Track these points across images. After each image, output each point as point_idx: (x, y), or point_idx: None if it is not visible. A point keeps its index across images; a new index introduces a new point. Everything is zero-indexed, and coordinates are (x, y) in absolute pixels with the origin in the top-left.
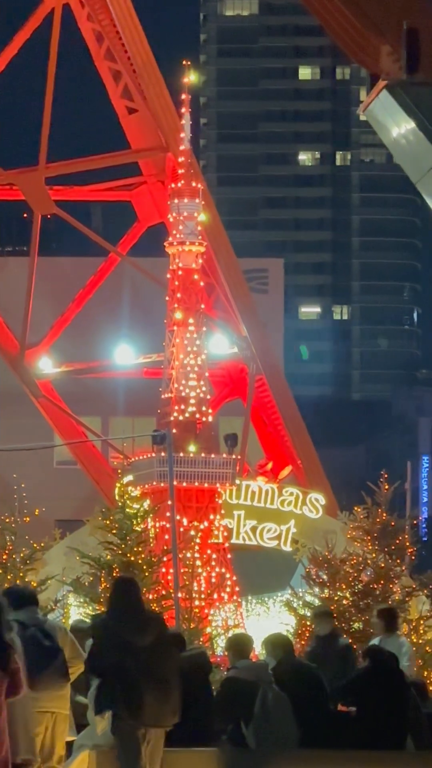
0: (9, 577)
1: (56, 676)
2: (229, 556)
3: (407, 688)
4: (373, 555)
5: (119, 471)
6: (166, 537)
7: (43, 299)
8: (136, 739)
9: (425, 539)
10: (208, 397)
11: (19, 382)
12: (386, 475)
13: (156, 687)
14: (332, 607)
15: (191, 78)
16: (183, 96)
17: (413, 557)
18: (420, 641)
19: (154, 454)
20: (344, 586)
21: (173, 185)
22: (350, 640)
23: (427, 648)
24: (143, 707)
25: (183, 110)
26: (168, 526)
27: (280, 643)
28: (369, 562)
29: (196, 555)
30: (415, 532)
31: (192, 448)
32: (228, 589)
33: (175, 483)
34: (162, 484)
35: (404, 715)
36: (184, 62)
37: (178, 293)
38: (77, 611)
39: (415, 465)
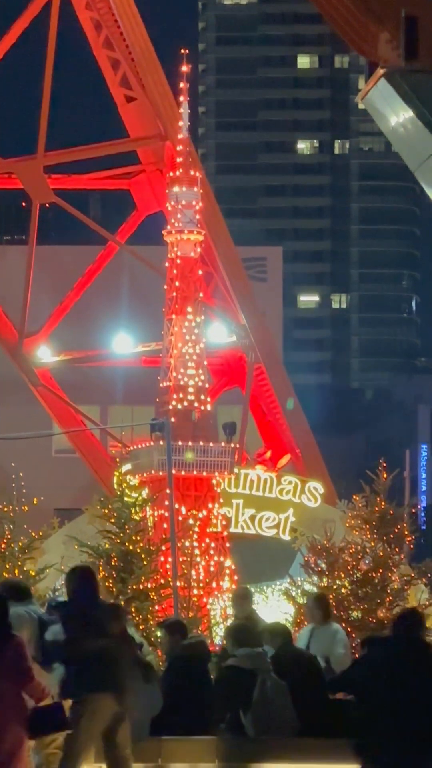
0: (8, 566)
1: None
2: (227, 544)
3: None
4: (372, 543)
5: (118, 460)
6: (165, 526)
7: (41, 288)
8: (101, 723)
9: (424, 528)
10: (207, 385)
11: (17, 370)
12: (385, 464)
13: (130, 672)
14: (331, 596)
15: (185, 66)
16: (181, 84)
17: (412, 546)
18: None
19: (152, 443)
20: (343, 575)
21: (172, 174)
22: (349, 629)
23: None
24: (126, 691)
25: (181, 99)
26: (166, 514)
27: (278, 632)
28: (368, 550)
29: (195, 544)
30: (413, 521)
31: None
32: (227, 578)
33: (173, 471)
34: (160, 473)
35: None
36: (182, 51)
37: (177, 282)
38: None
39: (414, 453)
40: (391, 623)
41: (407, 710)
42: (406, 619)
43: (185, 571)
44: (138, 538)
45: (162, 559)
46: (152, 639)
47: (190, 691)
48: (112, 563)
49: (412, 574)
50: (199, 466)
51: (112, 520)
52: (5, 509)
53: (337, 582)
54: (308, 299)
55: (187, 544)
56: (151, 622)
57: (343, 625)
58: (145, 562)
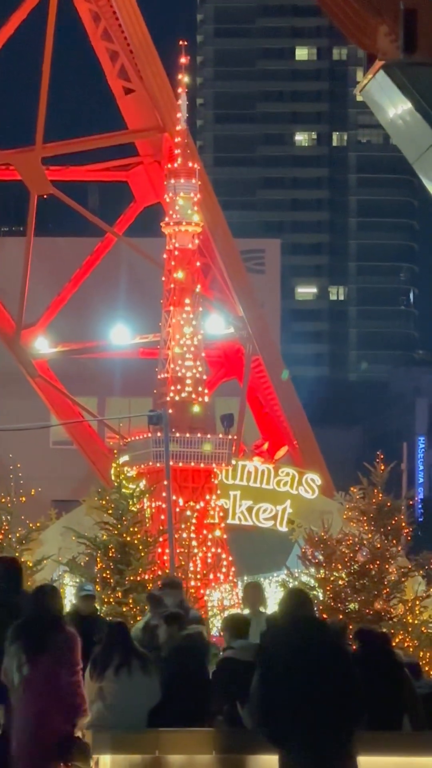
0: None
1: None
2: (225, 536)
3: (400, 669)
4: (369, 535)
5: (115, 451)
6: (162, 517)
7: (39, 279)
8: None
9: (421, 520)
10: (205, 377)
11: (15, 361)
12: (382, 456)
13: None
14: (328, 588)
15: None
16: (180, 76)
17: (409, 538)
18: (416, 621)
19: (150, 435)
20: (340, 567)
21: (170, 165)
22: (347, 621)
23: (423, 628)
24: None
25: (180, 90)
26: (164, 506)
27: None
28: (365, 542)
29: (192, 535)
30: (410, 513)
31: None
32: (224, 570)
33: (171, 463)
34: (158, 465)
35: (399, 697)
36: (180, 42)
37: (175, 273)
38: (73, 591)
39: (411, 445)
40: (280, 604)
41: (308, 690)
42: (293, 598)
43: (182, 563)
44: (135, 529)
45: (159, 550)
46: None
47: (187, 683)
48: (110, 554)
49: (409, 566)
50: (197, 457)
51: (110, 512)
52: (3, 500)
53: (335, 573)
54: (306, 291)
55: (184, 535)
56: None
57: (341, 616)
58: (142, 554)
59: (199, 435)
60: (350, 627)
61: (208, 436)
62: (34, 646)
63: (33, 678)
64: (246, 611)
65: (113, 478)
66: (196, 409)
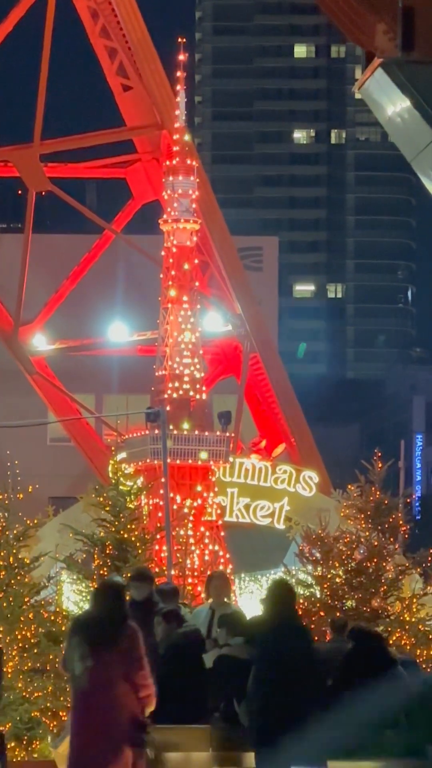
0: (2, 553)
1: None
2: (222, 533)
3: (394, 666)
4: (367, 533)
5: (113, 448)
6: (160, 514)
7: (37, 276)
8: None
9: (418, 518)
10: (202, 374)
11: (12, 358)
12: (380, 454)
13: None
14: (325, 585)
15: (186, 138)
16: (178, 73)
17: (406, 536)
18: (413, 619)
19: (147, 432)
20: (337, 564)
21: (168, 163)
22: (345, 618)
23: (420, 626)
24: None
25: (178, 88)
26: (161, 503)
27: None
28: (362, 540)
29: (190, 532)
30: (408, 511)
31: (186, 425)
32: (221, 567)
33: (168, 460)
34: (155, 462)
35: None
36: (179, 40)
37: (173, 271)
38: (70, 588)
39: (409, 443)
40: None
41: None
42: (277, 598)
43: (180, 560)
44: (133, 526)
45: (157, 547)
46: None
47: (184, 680)
48: (107, 551)
49: (407, 564)
50: (194, 455)
51: (107, 509)
52: (0, 497)
53: (332, 571)
54: (304, 289)
55: (181, 532)
56: None
57: (338, 614)
58: (139, 551)
59: (196, 432)
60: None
61: (206, 433)
62: (97, 640)
63: (97, 669)
64: (209, 601)
65: (111, 475)
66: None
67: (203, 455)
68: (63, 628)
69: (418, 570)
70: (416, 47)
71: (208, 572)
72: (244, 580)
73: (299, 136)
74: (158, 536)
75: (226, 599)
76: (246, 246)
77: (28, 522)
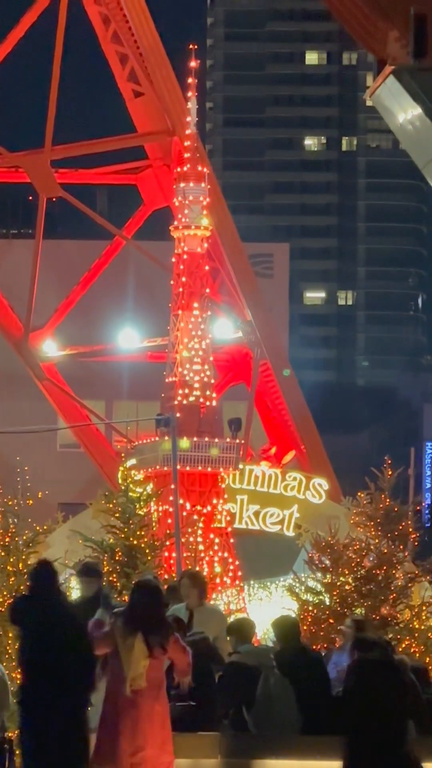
0: (12, 559)
1: None
2: (231, 540)
3: (401, 675)
4: (376, 541)
5: (123, 454)
6: (169, 521)
7: (47, 282)
8: None
9: (428, 525)
10: (212, 381)
11: (23, 364)
12: (390, 461)
13: None
14: (335, 592)
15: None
16: (189, 80)
17: (416, 543)
18: (422, 627)
19: (157, 438)
20: (347, 572)
21: (179, 169)
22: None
23: (430, 634)
24: None
25: (189, 94)
26: (171, 510)
27: (286, 626)
28: (372, 547)
29: (199, 539)
30: (418, 518)
31: (214, 451)
32: (230, 574)
33: (178, 467)
34: (165, 468)
35: (402, 702)
36: (190, 46)
37: (183, 277)
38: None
39: (419, 451)
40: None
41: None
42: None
43: (189, 567)
44: (142, 533)
45: (166, 554)
46: None
47: (193, 687)
48: (117, 558)
49: (417, 572)
50: (204, 461)
51: (117, 515)
52: (10, 503)
53: (341, 578)
54: (314, 296)
55: (191, 539)
56: None
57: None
58: (149, 558)
59: (206, 439)
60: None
61: (216, 440)
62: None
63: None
64: (185, 602)
65: (120, 481)
66: (214, 451)
67: (214, 451)
68: None
69: (428, 578)
70: (428, 55)
71: (194, 571)
72: (254, 587)
73: (310, 142)
74: (168, 543)
75: (200, 600)
76: (257, 253)
77: (38, 528)
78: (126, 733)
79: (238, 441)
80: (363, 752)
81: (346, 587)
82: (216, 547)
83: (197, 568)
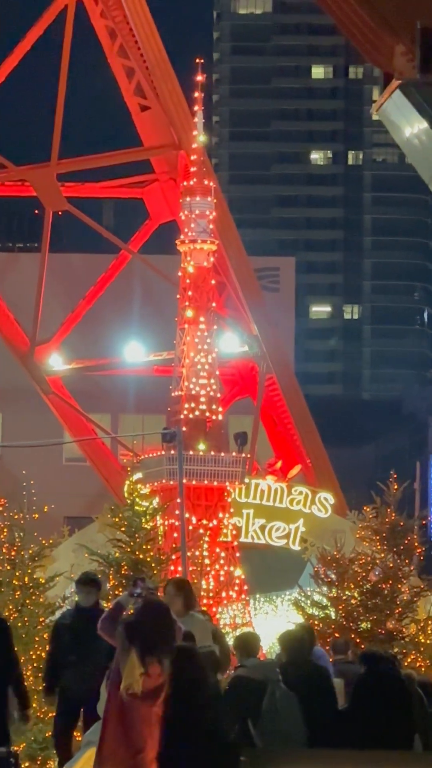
0: (18, 573)
1: None
2: (237, 554)
3: (407, 689)
4: (382, 555)
5: (129, 468)
6: (175, 535)
7: (53, 296)
8: None
9: None
10: (218, 395)
11: (28, 378)
12: (395, 475)
13: None
14: (340, 606)
15: (201, 140)
16: (196, 94)
17: (422, 557)
18: (428, 641)
19: (163, 452)
20: (352, 586)
21: (185, 183)
22: (358, 640)
23: None
24: None
25: (196, 108)
26: (177, 524)
27: (292, 640)
28: (377, 561)
29: (205, 553)
30: (423, 533)
31: (201, 446)
32: (236, 588)
33: (184, 481)
34: (171, 482)
35: (409, 717)
36: (197, 60)
37: (189, 291)
38: None
39: (425, 465)
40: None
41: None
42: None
43: (195, 581)
44: (148, 547)
45: (172, 568)
46: None
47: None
48: (122, 572)
49: (422, 586)
50: (210, 475)
51: (123, 529)
52: (15, 516)
53: (347, 592)
54: (320, 310)
55: (197, 553)
56: None
57: (352, 635)
58: (155, 571)
59: (212, 453)
60: (362, 646)
61: (222, 454)
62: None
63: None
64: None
65: (126, 495)
66: (201, 446)
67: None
68: None
69: None
70: None
71: (180, 579)
72: (259, 601)
73: (316, 156)
74: (174, 557)
75: (186, 609)
76: (263, 267)
77: (44, 542)
78: (124, 736)
79: (243, 455)
80: None
81: (352, 601)
82: (222, 561)
83: (203, 582)
